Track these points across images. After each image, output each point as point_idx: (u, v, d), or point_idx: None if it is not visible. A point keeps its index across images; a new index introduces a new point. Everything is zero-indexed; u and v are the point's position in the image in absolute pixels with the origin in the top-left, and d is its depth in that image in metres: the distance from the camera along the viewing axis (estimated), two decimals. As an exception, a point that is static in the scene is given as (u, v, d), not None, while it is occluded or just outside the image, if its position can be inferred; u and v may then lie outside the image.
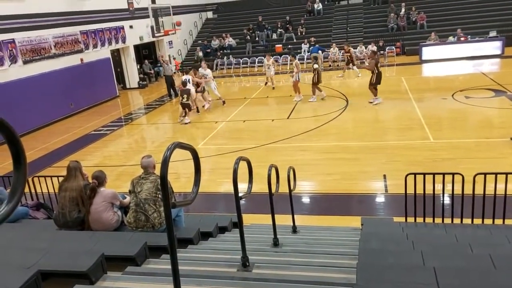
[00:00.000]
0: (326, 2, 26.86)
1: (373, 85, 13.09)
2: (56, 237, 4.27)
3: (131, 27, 20.48)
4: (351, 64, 18.45)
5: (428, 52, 19.58)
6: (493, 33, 19.51)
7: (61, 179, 5.15)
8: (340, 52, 21.02)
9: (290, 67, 19.49)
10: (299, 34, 24.79)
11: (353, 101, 13.83)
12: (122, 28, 19.91)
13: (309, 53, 22.04)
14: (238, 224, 3.24)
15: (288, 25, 25.27)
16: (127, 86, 21.24)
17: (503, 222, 5.24)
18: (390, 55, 21.36)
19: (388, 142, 9.80)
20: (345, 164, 8.74)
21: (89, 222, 4.59)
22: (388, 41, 22.14)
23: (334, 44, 21.99)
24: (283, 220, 5.44)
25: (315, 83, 14.24)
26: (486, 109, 11.60)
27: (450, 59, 19.07)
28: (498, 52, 19.01)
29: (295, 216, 5.34)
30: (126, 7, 20.39)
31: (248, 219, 6.26)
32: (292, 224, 5.14)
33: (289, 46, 23.92)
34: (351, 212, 6.94)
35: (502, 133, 9.61)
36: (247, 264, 3.15)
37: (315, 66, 14.42)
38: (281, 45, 24.04)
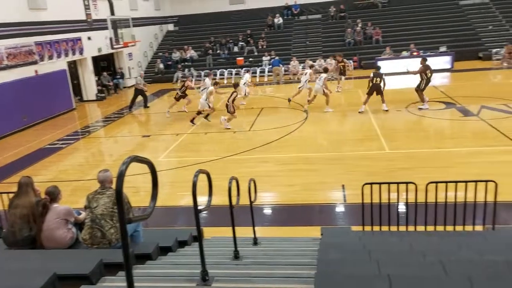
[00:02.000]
0: (286, 17, 27.39)
1: (421, 91, 13.35)
2: (4, 257, 4.06)
3: (89, 38, 20.02)
4: (342, 77, 18.10)
5: (383, 66, 20.27)
6: (443, 48, 20.58)
7: (12, 195, 4.92)
8: (330, 62, 21.26)
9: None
10: (260, 47, 25.10)
11: (312, 113, 14.10)
12: (80, 39, 19.43)
13: (270, 66, 22.38)
14: (198, 237, 3.21)
15: (249, 39, 25.55)
16: (84, 99, 20.66)
17: (454, 228, 5.48)
18: (347, 68, 21.95)
19: (346, 153, 10.05)
20: (305, 175, 8.87)
21: (41, 240, 4.40)
22: (346, 55, 22.76)
23: (294, 57, 22.42)
24: (244, 232, 5.43)
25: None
26: (437, 121, 12.15)
27: (404, 73, 19.83)
28: (448, 66, 20.04)
29: (256, 227, 5.34)
30: (84, 18, 19.94)
31: (209, 232, 6.21)
32: (253, 236, 5.14)
33: (250, 59, 24.16)
34: (312, 222, 7.03)
35: (453, 143, 10.09)
36: (207, 278, 3.12)
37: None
38: (242, 58, 24.24)
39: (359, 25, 24.49)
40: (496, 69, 19.68)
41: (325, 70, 15.11)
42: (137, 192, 8.45)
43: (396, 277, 2.76)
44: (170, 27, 30.03)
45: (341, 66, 17.91)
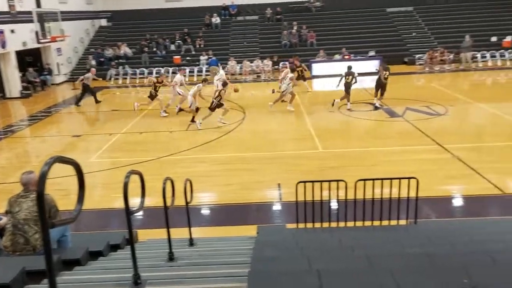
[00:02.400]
0: (223, 17, 27.41)
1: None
2: None
3: (12, 31, 18.66)
4: (301, 80, 17.65)
5: (317, 68, 21.03)
6: (372, 53, 21.71)
7: None
8: (267, 63, 21.39)
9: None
10: (197, 46, 24.88)
11: (249, 113, 14.25)
12: (2, 32, 18.06)
13: (207, 65, 22.28)
14: (130, 240, 3.13)
15: (186, 37, 25.23)
16: (8, 96, 19.25)
17: (380, 223, 5.82)
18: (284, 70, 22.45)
19: (282, 152, 10.28)
20: (243, 175, 8.95)
21: (-44, 250, 4.06)
22: (282, 56, 23.28)
23: (232, 58, 22.50)
24: (180, 233, 5.37)
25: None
26: (366, 121, 12.81)
27: (336, 75, 20.66)
28: (377, 69, 21.11)
29: (193, 228, 5.31)
30: (7, 9, 18.56)
31: (145, 234, 6.07)
32: (189, 237, 5.10)
33: (188, 58, 23.88)
34: (249, 221, 7.11)
35: (380, 142, 10.69)
36: (139, 281, 3.05)
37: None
38: (179, 57, 23.89)
39: (295, 27, 25.12)
40: (419, 73, 21.10)
41: (292, 70, 15.42)
42: (67, 195, 8.01)
43: (325, 271, 2.88)
44: (103, 22, 28.82)
45: (299, 71, 17.55)
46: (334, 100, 14.22)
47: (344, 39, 24.40)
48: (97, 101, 17.10)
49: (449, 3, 26.67)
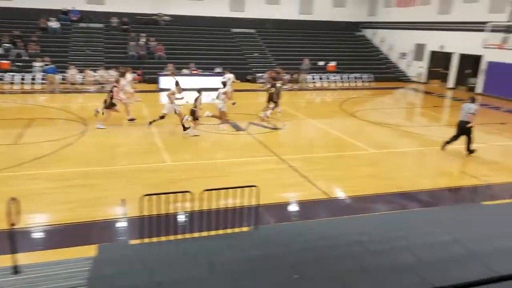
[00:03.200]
0: (63, 22, 25.30)
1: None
2: None
3: None
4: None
5: (165, 81, 20.92)
6: (218, 69, 22.62)
7: None
8: (112, 73, 20.07)
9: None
10: (31, 51, 22.38)
11: (92, 125, 13.37)
12: None
13: (43, 73, 20.20)
14: None
15: (17, 40, 22.49)
16: None
17: (225, 231, 6.03)
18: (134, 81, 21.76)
19: (127, 166, 9.89)
20: (83, 191, 8.32)
21: None
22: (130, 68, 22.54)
23: (72, 66, 20.89)
24: (2, 261, 4.72)
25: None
26: (214, 134, 13.22)
27: (184, 89, 20.88)
28: (222, 86, 22.05)
29: (21, 254, 4.71)
30: None
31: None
32: (13, 264, 4.50)
33: (18, 64, 21.30)
34: (90, 241, 6.60)
35: (227, 154, 11.14)
36: None
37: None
38: (8, 62, 21.14)
39: (143, 39, 24.63)
40: (260, 90, 22.73)
41: (223, 84, 15.25)
42: None
43: (166, 282, 2.87)
44: None
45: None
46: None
47: (193, 54, 24.90)
48: None
49: (283, 29, 29.52)
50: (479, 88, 22.99)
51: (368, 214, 7.58)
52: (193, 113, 12.81)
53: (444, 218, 6.40)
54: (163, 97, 13.83)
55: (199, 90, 13.39)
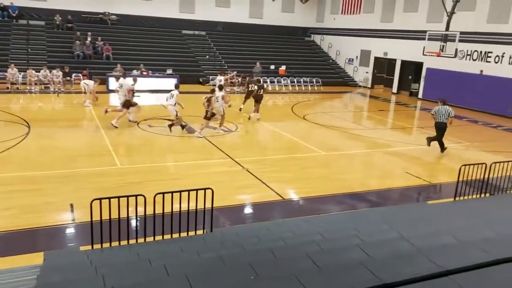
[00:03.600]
0: (1, 18, 23.86)
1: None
2: None
3: None
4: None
5: (114, 82, 20.28)
6: (169, 71, 22.29)
7: None
8: (57, 74, 19.17)
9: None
10: (-35, 48, 20.94)
11: (36, 128, 12.72)
12: None
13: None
14: None
15: (-52, 36, 20.96)
16: None
17: (179, 235, 5.97)
18: (77, 82, 20.92)
19: (76, 170, 9.49)
20: (26, 196, 7.89)
21: None
22: (75, 68, 21.69)
23: (12, 65, 19.76)
24: None
25: None
26: (166, 137, 13.01)
27: (137, 91, 20.40)
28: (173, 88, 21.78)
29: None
30: None
31: None
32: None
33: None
34: (35, 249, 6.28)
35: (180, 157, 11.01)
36: None
37: None
38: None
39: (89, 38, 23.78)
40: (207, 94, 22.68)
41: (220, 88, 14.36)
42: None
43: (120, 286, 2.80)
44: None
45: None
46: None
47: (142, 55, 24.39)
48: None
49: (234, 32, 29.63)
50: (420, 93, 24.30)
51: (320, 214, 7.78)
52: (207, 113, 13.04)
53: (392, 217, 6.71)
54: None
55: (213, 91, 13.53)
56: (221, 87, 14.49)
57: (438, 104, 12.57)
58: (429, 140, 12.52)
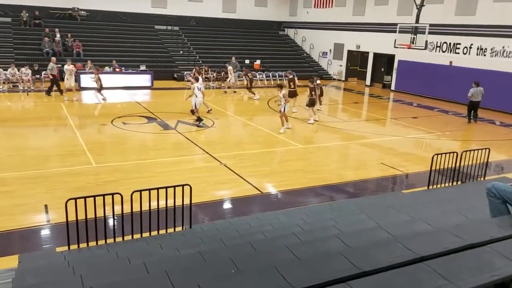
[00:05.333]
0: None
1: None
2: None
3: None
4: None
5: (86, 79, 19.88)
6: (143, 67, 21.95)
7: None
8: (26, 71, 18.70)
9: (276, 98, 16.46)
10: None
11: (6, 127, 12.34)
12: None
13: None
14: None
15: None
16: None
17: (158, 232, 5.92)
18: (47, 80, 20.37)
19: (49, 170, 9.27)
20: (-2, 199, 7.66)
21: None
22: (44, 65, 21.07)
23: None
24: None
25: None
26: (141, 134, 12.84)
27: (107, 88, 20.04)
28: (149, 84, 21.52)
29: None
30: None
31: None
32: None
33: None
34: (9, 252, 6.11)
35: (156, 154, 10.89)
36: None
37: None
38: None
39: (58, 35, 23.16)
40: (187, 88, 22.46)
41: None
42: None
43: (100, 286, 2.77)
44: None
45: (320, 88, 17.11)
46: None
47: (114, 51, 23.93)
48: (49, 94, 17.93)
49: (208, 27, 29.41)
50: (392, 85, 24.74)
51: (299, 207, 7.86)
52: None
53: (369, 207, 6.84)
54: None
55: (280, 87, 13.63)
56: (197, 79, 14.70)
57: (473, 86, 15.84)
58: (469, 118, 16.31)
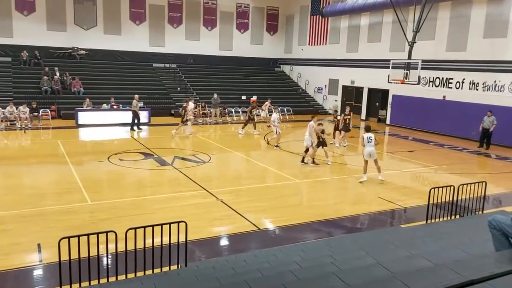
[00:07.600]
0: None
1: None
2: None
3: None
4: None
5: (84, 117, 20.06)
6: (140, 104, 22.15)
7: None
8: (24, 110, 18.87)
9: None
10: None
11: (2, 165, 12.29)
12: None
13: None
14: None
15: None
16: None
17: (152, 271, 5.80)
18: (45, 118, 20.54)
19: (44, 208, 9.17)
20: (-9, 239, 7.53)
21: None
22: (43, 103, 21.33)
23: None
24: None
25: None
26: (138, 170, 12.82)
27: (105, 125, 20.19)
28: (146, 120, 21.68)
29: None
30: None
31: None
32: None
33: None
34: (-1, 294, 5.98)
35: (152, 191, 10.82)
36: None
37: None
38: None
39: (57, 73, 23.53)
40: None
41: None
42: None
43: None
44: None
45: (347, 119, 17.60)
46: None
47: (113, 89, 24.26)
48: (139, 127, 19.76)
49: (205, 64, 29.99)
50: (388, 119, 25.02)
51: (296, 243, 7.75)
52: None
53: (366, 242, 6.75)
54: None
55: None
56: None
57: (487, 115, 17.52)
58: (481, 143, 17.96)
